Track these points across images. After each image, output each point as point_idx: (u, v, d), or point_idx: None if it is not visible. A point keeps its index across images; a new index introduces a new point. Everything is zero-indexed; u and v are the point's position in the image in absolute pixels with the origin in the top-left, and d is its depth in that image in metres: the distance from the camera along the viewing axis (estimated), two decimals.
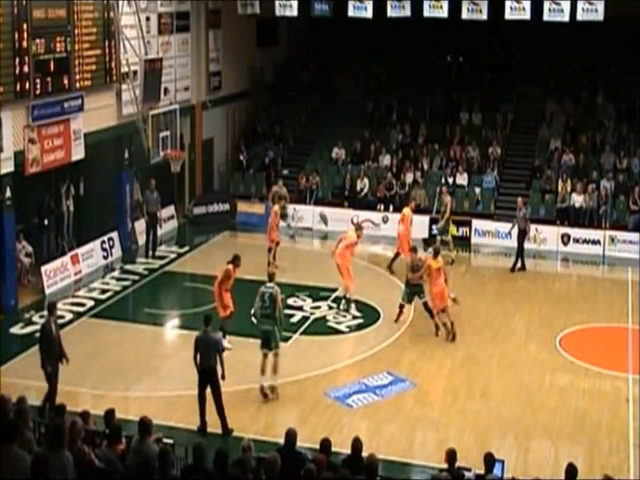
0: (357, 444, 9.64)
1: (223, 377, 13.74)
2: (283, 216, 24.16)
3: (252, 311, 16.18)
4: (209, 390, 13.83)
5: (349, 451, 9.61)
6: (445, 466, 9.74)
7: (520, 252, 22.77)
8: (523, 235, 22.76)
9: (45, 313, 14.01)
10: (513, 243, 23.38)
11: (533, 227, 23.98)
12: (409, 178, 26.94)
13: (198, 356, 13.71)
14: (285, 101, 31.22)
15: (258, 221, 25.44)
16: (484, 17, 23.45)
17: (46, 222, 21.71)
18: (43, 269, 20.47)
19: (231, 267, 16.94)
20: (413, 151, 28.20)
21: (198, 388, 13.79)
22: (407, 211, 22.05)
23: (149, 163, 22.63)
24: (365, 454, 9.41)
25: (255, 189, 27.81)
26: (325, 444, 9.63)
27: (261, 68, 31.34)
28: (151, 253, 23.16)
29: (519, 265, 22.74)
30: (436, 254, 18.29)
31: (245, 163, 28.79)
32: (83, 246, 22.14)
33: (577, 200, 25.23)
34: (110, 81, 21.81)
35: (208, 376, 13.73)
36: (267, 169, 28.35)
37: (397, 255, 22.00)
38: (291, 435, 9.73)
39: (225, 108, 29.09)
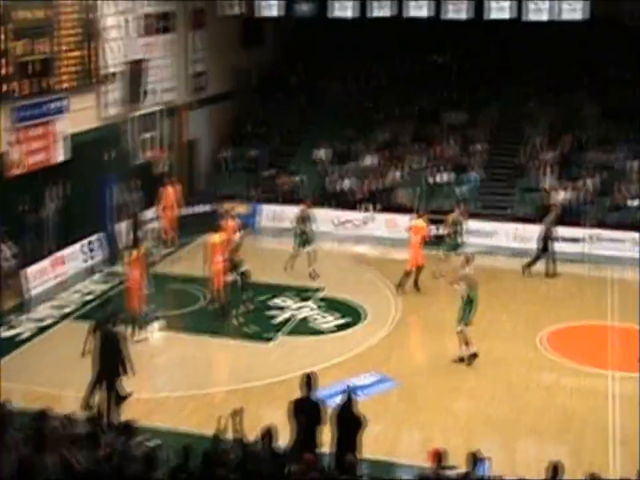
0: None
1: None
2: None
3: None
4: None
5: (333, 452, 9.59)
6: (430, 465, 9.72)
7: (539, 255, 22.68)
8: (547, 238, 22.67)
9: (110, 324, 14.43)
10: (496, 241, 23.46)
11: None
12: (393, 177, 26.94)
13: None
14: (271, 102, 31.11)
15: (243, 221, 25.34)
16: (463, 16, 23.47)
17: (25, 223, 21.56)
18: (25, 271, 20.36)
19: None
20: (397, 150, 28.20)
21: None
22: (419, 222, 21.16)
23: (133, 164, 22.55)
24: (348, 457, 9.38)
25: (239, 189, 27.73)
26: (309, 379, 10.94)
27: (246, 68, 31.26)
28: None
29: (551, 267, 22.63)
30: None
31: (229, 164, 28.73)
32: (66, 248, 22.04)
33: (561, 198, 25.28)
34: (93, 83, 21.73)
35: None
36: (252, 169, 28.29)
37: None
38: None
39: (210, 109, 29.01)
